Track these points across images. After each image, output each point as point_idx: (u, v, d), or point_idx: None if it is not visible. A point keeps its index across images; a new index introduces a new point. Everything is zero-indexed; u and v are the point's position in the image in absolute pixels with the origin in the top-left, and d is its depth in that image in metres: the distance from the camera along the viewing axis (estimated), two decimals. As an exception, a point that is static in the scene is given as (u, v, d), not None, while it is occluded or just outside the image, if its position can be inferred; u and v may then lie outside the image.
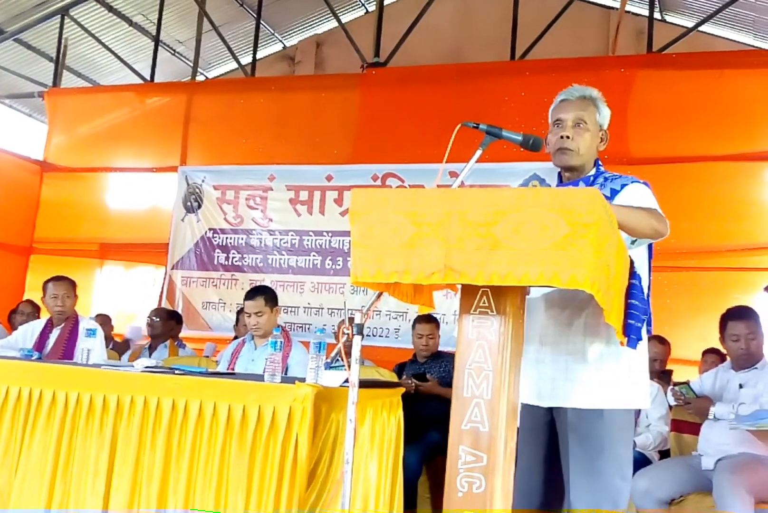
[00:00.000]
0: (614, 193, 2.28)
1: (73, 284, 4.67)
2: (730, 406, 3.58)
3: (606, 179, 2.34)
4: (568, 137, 2.35)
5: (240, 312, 5.83)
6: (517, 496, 1.94)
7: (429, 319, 4.77)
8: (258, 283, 6.49)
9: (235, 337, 5.39)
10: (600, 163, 2.42)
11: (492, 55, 7.70)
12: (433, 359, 4.73)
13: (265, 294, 4.19)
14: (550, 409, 2.30)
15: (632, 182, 2.31)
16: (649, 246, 2.33)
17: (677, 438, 4.18)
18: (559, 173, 2.47)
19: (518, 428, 1.92)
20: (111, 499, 3.03)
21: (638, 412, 4.15)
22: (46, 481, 3.13)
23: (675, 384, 4.11)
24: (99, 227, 7.76)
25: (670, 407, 4.21)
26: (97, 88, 9.51)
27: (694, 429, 3.93)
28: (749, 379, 3.68)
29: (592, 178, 2.37)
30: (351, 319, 2.07)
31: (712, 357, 4.99)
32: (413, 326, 4.87)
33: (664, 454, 4.23)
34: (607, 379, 2.22)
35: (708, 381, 3.90)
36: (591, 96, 2.41)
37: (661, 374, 4.74)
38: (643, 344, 2.27)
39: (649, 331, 2.19)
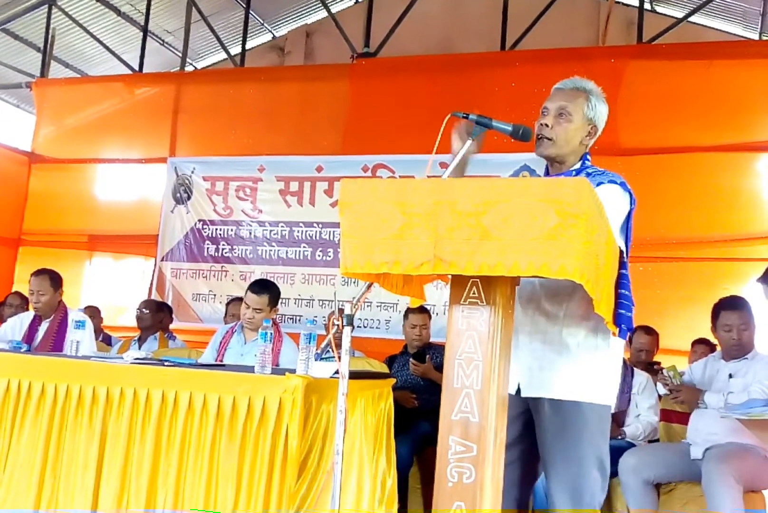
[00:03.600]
0: None
1: (54, 278, 4.60)
2: (720, 394, 3.60)
3: (588, 175, 2.27)
4: (546, 125, 2.33)
5: (229, 304, 5.81)
6: None
7: (422, 309, 4.76)
8: (248, 275, 6.50)
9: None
10: (588, 157, 2.38)
11: (482, 45, 7.67)
12: (425, 350, 4.73)
13: (270, 293, 4.11)
14: (526, 399, 2.28)
15: (609, 182, 2.22)
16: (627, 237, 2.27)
17: (666, 428, 4.20)
18: (546, 165, 2.45)
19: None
20: (101, 492, 3.02)
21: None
22: (35, 474, 3.11)
23: (662, 368, 4.14)
24: (88, 219, 7.71)
25: (660, 397, 4.23)
26: (85, 78, 9.43)
27: (683, 419, 3.95)
28: (739, 368, 3.70)
29: (574, 173, 2.33)
30: (341, 311, 2.07)
31: (701, 347, 5.01)
32: (405, 316, 4.86)
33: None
34: (585, 372, 2.21)
35: (698, 370, 3.92)
36: (584, 88, 2.37)
37: (647, 366, 4.75)
38: (619, 341, 2.26)
39: (630, 329, 2.10)
